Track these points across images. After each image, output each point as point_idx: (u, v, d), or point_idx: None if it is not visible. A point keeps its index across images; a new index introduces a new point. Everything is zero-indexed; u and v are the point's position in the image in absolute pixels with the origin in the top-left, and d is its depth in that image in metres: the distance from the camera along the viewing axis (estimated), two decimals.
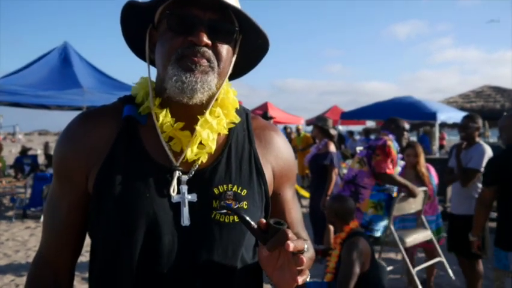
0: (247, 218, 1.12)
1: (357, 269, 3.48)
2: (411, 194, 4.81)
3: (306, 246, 1.11)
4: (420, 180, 5.39)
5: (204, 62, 1.19)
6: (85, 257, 5.18)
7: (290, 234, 1.07)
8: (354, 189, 4.75)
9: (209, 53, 1.19)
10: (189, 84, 1.17)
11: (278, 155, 1.38)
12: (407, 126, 5.14)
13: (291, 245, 1.04)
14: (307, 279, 1.16)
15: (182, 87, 1.18)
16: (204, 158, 1.26)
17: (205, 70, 1.19)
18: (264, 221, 1.12)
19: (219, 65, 1.22)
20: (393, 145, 4.77)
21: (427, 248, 5.48)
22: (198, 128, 1.24)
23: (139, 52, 1.39)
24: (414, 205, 5.00)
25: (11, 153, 23.99)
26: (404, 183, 4.73)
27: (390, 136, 4.92)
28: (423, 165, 5.48)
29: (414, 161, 5.46)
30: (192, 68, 1.18)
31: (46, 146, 20.27)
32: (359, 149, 11.62)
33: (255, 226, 1.11)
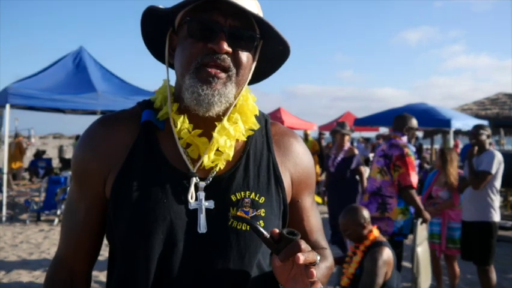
0: (260, 228, 1.11)
1: (380, 280, 3.47)
2: (422, 218, 4.70)
3: (318, 258, 1.10)
4: (448, 186, 5.53)
5: (222, 74, 1.18)
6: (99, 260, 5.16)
7: (303, 246, 1.06)
8: (381, 200, 4.72)
9: (229, 60, 1.18)
10: (206, 97, 1.17)
11: (297, 162, 1.37)
12: (416, 124, 5.10)
13: (301, 258, 1.03)
14: None
15: (198, 99, 1.17)
16: (221, 165, 1.25)
17: (224, 82, 1.18)
18: (277, 230, 1.11)
19: (237, 74, 1.21)
20: (410, 152, 4.73)
21: (449, 254, 5.48)
22: (215, 135, 1.23)
23: (158, 54, 1.39)
24: (425, 231, 4.96)
25: (25, 156, 24.21)
26: (419, 205, 4.68)
27: (404, 138, 4.87)
28: (451, 173, 5.54)
29: (440, 166, 5.61)
30: (210, 80, 1.17)
31: (60, 150, 20.46)
32: (371, 155, 11.55)
33: (268, 236, 1.10)
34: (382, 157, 4.84)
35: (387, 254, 3.57)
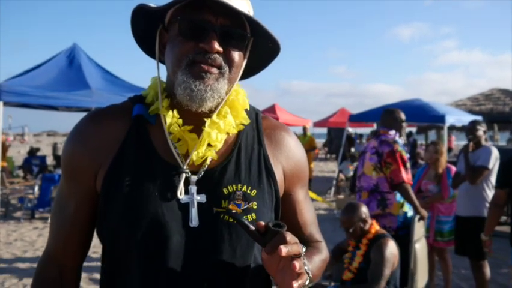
0: (244, 221, 1.12)
1: (388, 271, 3.55)
2: (419, 214, 4.67)
3: (303, 249, 1.11)
4: (437, 180, 5.62)
5: (215, 70, 1.18)
6: (91, 257, 5.18)
7: (288, 237, 1.07)
8: (380, 197, 4.70)
9: (220, 60, 1.19)
10: (198, 92, 1.17)
11: (289, 155, 1.37)
12: (403, 116, 5.07)
13: (284, 250, 1.04)
14: (307, 283, 1.15)
15: (191, 95, 1.17)
16: (214, 157, 1.25)
17: (216, 77, 1.19)
18: (262, 223, 1.12)
19: (230, 71, 1.21)
20: (400, 147, 4.71)
21: (437, 247, 5.51)
22: (206, 129, 1.23)
23: (149, 49, 1.38)
24: (422, 228, 4.94)
25: (19, 154, 24.13)
26: (415, 202, 4.65)
27: (392, 133, 4.86)
28: (441, 165, 5.68)
29: (434, 158, 5.70)
30: (202, 75, 1.17)
31: (54, 147, 20.38)
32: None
33: (253, 229, 1.11)
34: (375, 154, 4.82)
35: (392, 245, 3.69)
